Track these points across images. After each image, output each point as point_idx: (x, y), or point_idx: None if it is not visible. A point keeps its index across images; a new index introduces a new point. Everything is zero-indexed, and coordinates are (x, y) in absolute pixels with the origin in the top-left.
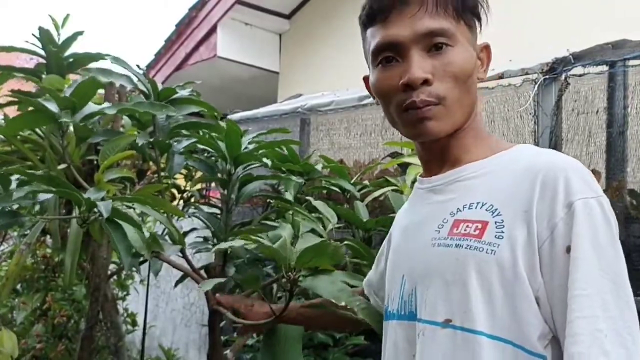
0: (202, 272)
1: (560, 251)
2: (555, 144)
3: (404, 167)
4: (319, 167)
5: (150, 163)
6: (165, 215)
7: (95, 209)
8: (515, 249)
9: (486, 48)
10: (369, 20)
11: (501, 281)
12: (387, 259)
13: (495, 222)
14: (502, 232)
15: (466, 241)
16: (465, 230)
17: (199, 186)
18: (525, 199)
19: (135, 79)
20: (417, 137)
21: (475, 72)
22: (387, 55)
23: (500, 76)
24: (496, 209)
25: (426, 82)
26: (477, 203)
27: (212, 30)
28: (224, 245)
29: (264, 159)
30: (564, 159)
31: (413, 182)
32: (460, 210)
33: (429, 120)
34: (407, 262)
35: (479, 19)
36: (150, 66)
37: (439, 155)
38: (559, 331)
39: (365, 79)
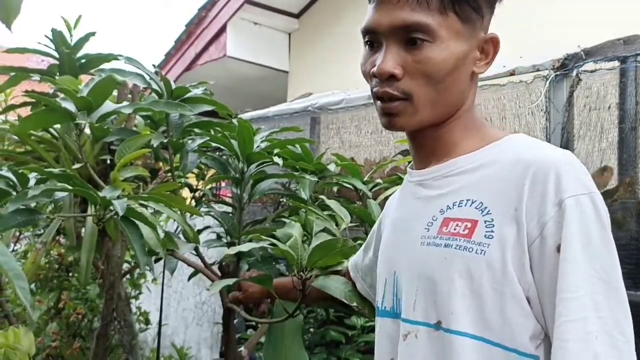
0: (216, 269)
1: (551, 250)
2: (567, 141)
3: None
4: (331, 166)
5: (161, 162)
6: (179, 213)
7: (111, 207)
8: (505, 249)
9: (492, 40)
10: None
11: (491, 282)
12: (379, 251)
13: (485, 221)
14: (492, 231)
15: (455, 241)
16: (454, 229)
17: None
18: (514, 196)
19: (148, 78)
20: (385, 128)
21: (467, 66)
22: (369, 39)
23: (512, 73)
24: (486, 207)
25: (393, 77)
26: (467, 200)
27: (222, 30)
28: (231, 251)
29: (276, 158)
30: (555, 152)
31: None
32: (450, 208)
33: (393, 115)
34: (397, 259)
35: (479, 10)
36: (160, 66)
37: (427, 147)
38: (549, 330)
39: None
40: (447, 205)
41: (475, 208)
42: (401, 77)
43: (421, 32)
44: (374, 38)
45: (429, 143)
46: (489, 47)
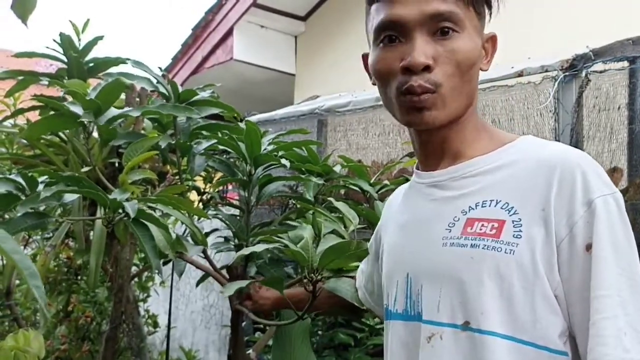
0: (224, 272)
1: (580, 249)
2: (576, 142)
3: None
4: (337, 168)
5: (169, 166)
6: (187, 216)
7: (120, 210)
8: (535, 248)
9: (492, 39)
10: None
11: (521, 281)
12: (383, 256)
13: (513, 221)
14: (520, 231)
15: (483, 241)
16: (480, 229)
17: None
18: (542, 196)
19: (155, 82)
20: (411, 125)
21: (479, 61)
22: (389, 34)
23: (520, 74)
24: (512, 207)
25: (427, 68)
26: (492, 201)
27: (229, 33)
28: (245, 251)
29: (283, 160)
30: (576, 153)
31: None
32: (472, 209)
33: (426, 109)
34: (411, 261)
35: (490, 8)
36: (168, 69)
37: (438, 147)
38: (575, 328)
39: (364, 57)
40: (469, 206)
41: (501, 208)
42: (433, 68)
43: (452, 22)
44: (399, 31)
45: (441, 144)
46: (489, 46)
